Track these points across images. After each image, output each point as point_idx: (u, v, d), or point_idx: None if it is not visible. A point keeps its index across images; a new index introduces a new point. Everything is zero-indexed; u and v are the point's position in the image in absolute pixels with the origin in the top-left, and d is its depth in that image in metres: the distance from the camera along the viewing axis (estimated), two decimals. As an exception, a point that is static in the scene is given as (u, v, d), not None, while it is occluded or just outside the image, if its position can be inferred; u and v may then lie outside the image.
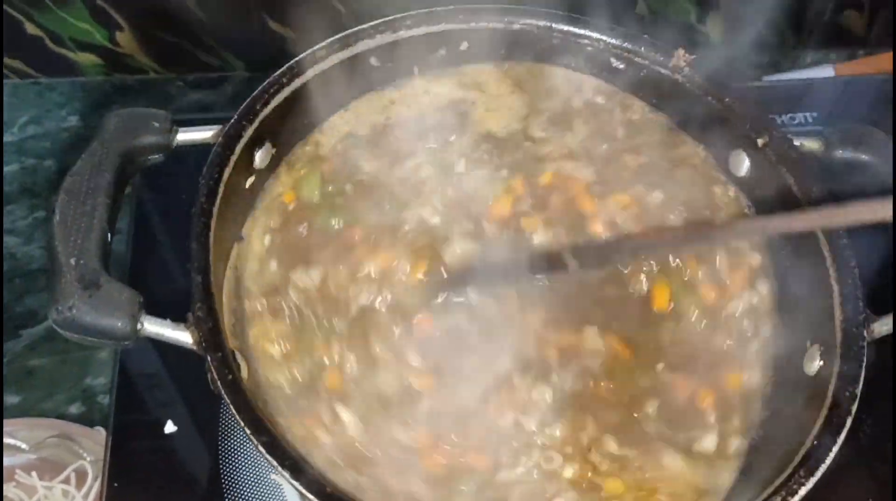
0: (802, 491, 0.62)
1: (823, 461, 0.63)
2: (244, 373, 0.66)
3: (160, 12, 1.09)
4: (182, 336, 0.64)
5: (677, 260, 0.75)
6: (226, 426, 0.84)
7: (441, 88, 0.83)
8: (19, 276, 1.06)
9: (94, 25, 1.10)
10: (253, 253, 0.75)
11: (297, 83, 0.76)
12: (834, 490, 0.65)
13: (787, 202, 0.74)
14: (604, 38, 0.81)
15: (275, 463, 0.60)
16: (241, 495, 0.81)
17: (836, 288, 0.69)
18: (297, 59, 0.76)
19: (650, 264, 0.75)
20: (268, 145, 0.75)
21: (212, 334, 0.63)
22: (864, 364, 0.66)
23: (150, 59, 1.15)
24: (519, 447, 0.69)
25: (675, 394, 0.71)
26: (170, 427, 0.84)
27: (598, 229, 0.77)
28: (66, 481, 0.92)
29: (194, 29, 1.11)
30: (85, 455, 0.93)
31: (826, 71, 1.15)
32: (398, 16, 0.79)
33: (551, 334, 0.73)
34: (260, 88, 0.74)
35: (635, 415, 0.71)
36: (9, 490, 0.91)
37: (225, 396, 0.61)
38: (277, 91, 0.74)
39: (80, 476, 0.92)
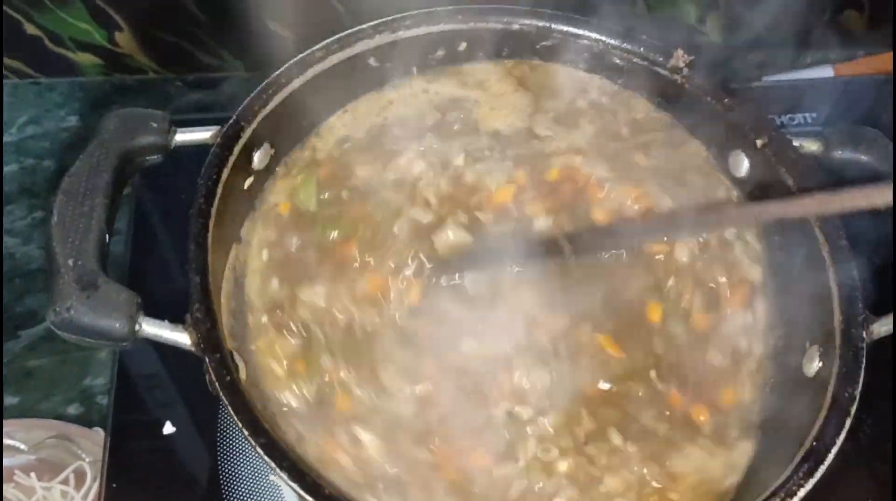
0: (801, 493, 0.62)
1: (823, 462, 0.62)
2: (242, 374, 0.66)
3: (159, 12, 1.09)
4: (180, 337, 0.64)
5: (671, 280, 0.75)
6: (225, 426, 0.84)
7: (440, 87, 0.83)
8: (18, 276, 1.06)
9: (94, 25, 1.10)
10: (253, 268, 0.74)
11: (295, 84, 0.75)
12: (834, 491, 0.65)
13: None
14: (602, 38, 0.81)
15: (273, 465, 0.59)
16: (240, 496, 0.81)
17: (834, 289, 0.69)
18: (295, 59, 0.76)
19: (648, 279, 0.75)
20: (266, 146, 0.75)
21: (210, 335, 0.63)
22: (863, 365, 0.66)
23: (150, 60, 1.15)
24: (516, 439, 0.69)
25: (671, 403, 0.71)
26: (168, 428, 0.84)
27: (602, 219, 0.77)
28: (65, 482, 0.92)
29: (193, 29, 1.11)
30: (84, 455, 0.94)
31: (826, 71, 1.15)
32: (397, 16, 0.79)
33: (547, 322, 0.73)
34: (258, 88, 0.74)
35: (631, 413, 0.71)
36: (8, 490, 0.91)
37: (223, 397, 0.61)
38: (276, 92, 0.74)
39: (79, 476, 0.93)
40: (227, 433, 0.84)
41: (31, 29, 1.10)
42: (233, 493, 0.81)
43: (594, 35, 0.81)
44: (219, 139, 0.71)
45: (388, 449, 0.67)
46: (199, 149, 0.72)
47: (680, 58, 0.79)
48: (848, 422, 0.64)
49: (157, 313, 0.65)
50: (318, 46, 0.77)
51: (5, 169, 1.11)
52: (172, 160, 0.73)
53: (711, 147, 0.80)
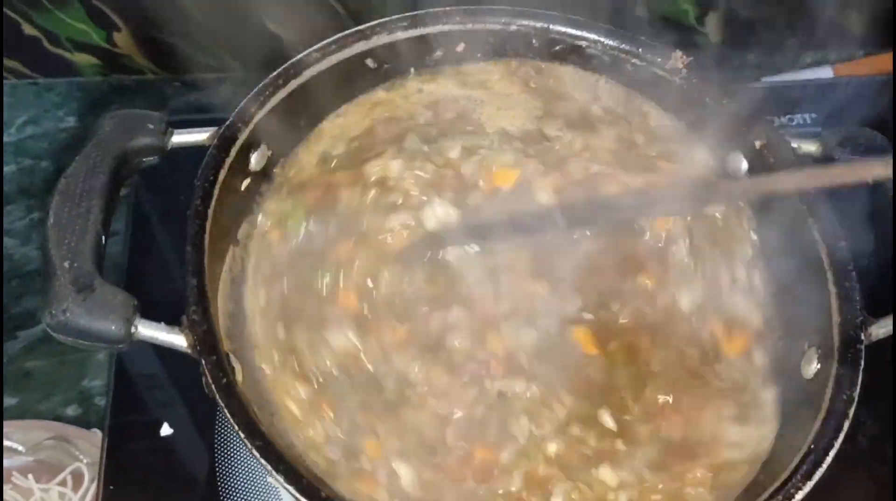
0: (800, 495, 0.61)
1: (821, 465, 0.62)
2: (239, 376, 0.66)
3: (157, 13, 1.08)
4: (176, 339, 0.63)
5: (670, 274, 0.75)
6: (222, 428, 0.84)
7: (437, 87, 0.82)
8: (16, 277, 1.06)
9: (92, 26, 1.10)
10: (252, 310, 0.72)
11: (293, 85, 0.75)
12: (833, 493, 0.65)
13: (784, 204, 0.73)
14: (601, 39, 0.80)
15: (269, 468, 0.59)
16: (238, 497, 0.81)
17: (833, 291, 0.68)
18: (292, 60, 0.76)
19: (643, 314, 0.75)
20: (263, 148, 0.75)
21: (206, 337, 0.63)
22: (861, 367, 0.66)
23: (148, 60, 1.15)
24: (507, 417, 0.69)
25: (666, 422, 0.71)
26: (166, 430, 0.84)
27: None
28: (63, 483, 0.92)
29: (191, 30, 1.10)
30: (81, 457, 0.93)
31: (825, 72, 1.15)
32: (395, 17, 0.78)
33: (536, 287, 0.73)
34: (255, 90, 0.74)
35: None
36: (5, 492, 0.91)
37: (219, 399, 0.61)
38: (273, 93, 0.74)
39: (77, 478, 0.93)
40: (225, 435, 0.84)
41: (29, 30, 1.10)
42: (231, 494, 0.81)
43: (592, 36, 0.81)
44: (215, 141, 0.71)
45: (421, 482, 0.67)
46: (199, 149, 0.72)
47: (679, 59, 0.79)
48: (846, 425, 0.64)
49: (155, 313, 0.65)
50: (315, 47, 0.77)
51: (4, 169, 1.11)
52: (172, 161, 0.73)
53: (709, 148, 0.80)
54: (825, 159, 0.76)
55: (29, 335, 1.02)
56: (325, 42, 0.77)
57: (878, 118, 0.83)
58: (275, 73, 0.75)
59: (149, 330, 0.64)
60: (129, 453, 0.83)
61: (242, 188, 0.74)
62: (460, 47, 0.81)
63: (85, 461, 0.93)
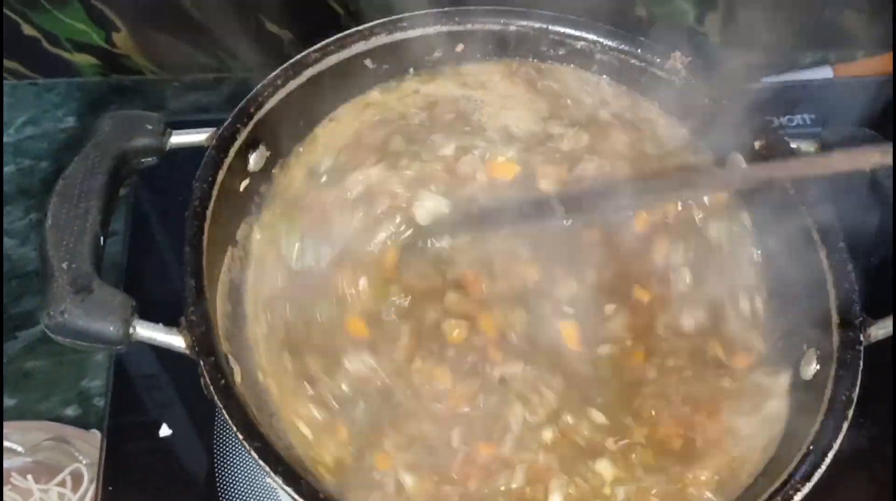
0: (798, 497, 0.61)
1: (820, 466, 0.62)
2: (237, 377, 0.66)
3: (157, 13, 1.09)
4: (174, 340, 0.63)
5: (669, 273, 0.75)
6: (221, 428, 0.84)
7: (435, 88, 0.82)
8: (16, 277, 1.06)
9: (91, 26, 1.10)
10: (255, 336, 0.71)
11: (291, 85, 0.75)
12: (833, 493, 0.65)
13: (783, 205, 0.74)
14: (600, 40, 0.80)
15: (267, 469, 0.59)
16: (237, 498, 0.81)
17: (832, 292, 0.69)
18: (291, 61, 0.75)
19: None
20: (262, 148, 0.75)
21: (204, 338, 0.63)
22: (860, 368, 0.65)
23: (147, 60, 1.15)
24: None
25: (663, 426, 0.71)
26: (165, 430, 0.84)
27: None
28: (62, 484, 0.92)
29: (191, 30, 1.10)
30: (81, 457, 0.93)
31: (825, 72, 1.15)
32: (393, 17, 0.78)
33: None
34: (254, 90, 0.74)
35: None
36: (5, 493, 0.91)
37: (217, 401, 0.61)
38: (272, 94, 0.74)
39: (76, 478, 0.93)
40: (224, 436, 0.84)
41: (28, 30, 1.10)
42: (230, 495, 0.81)
43: (591, 36, 0.80)
44: (214, 141, 0.71)
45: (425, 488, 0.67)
46: (198, 150, 0.72)
47: (678, 60, 0.79)
48: (845, 426, 0.64)
49: (154, 314, 0.64)
50: (314, 48, 0.76)
51: (3, 170, 1.11)
52: (170, 161, 0.73)
53: (708, 149, 0.80)
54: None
55: (28, 335, 1.02)
56: (324, 42, 0.77)
57: (877, 119, 0.83)
58: (274, 73, 0.75)
59: (147, 331, 0.63)
60: (129, 454, 0.83)
61: (241, 189, 0.74)
62: (459, 48, 0.81)
63: (84, 461, 0.93)
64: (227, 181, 0.71)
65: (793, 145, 0.75)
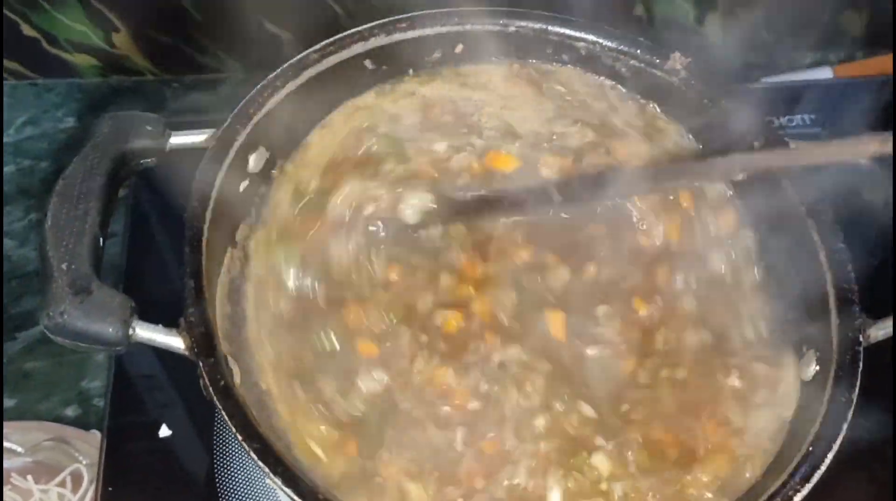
0: (798, 497, 0.61)
1: (819, 467, 0.62)
2: (237, 378, 0.66)
3: (156, 14, 1.09)
4: (174, 341, 0.63)
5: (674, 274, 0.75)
6: (221, 429, 0.84)
7: (433, 89, 0.82)
8: (15, 278, 1.06)
9: (91, 27, 1.10)
10: (260, 363, 0.70)
11: (291, 86, 0.75)
12: (833, 493, 0.65)
13: (783, 205, 0.74)
14: (599, 40, 0.80)
15: (267, 470, 0.59)
16: (237, 498, 0.81)
17: (832, 293, 0.69)
18: (291, 62, 0.76)
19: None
20: (262, 149, 0.75)
21: (204, 339, 0.63)
22: (860, 369, 0.66)
23: (147, 61, 1.15)
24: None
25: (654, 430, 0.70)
26: (165, 431, 0.84)
27: None
28: (62, 484, 0.92)
29: (191, 31, 1.10)
30: (80, 458, 0.93)
31: (824, 73, 1.15)
32: (393, 18, 0.78)
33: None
34: (253, 91, 0.74)
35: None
36: (4, 493, 0.91)
37: (216, 402, 0.61)
38: (271, 95, 0.74)
39: (76, 479, 0.92)
40: (224, 436, 0.84)
41: (27, 30, 1.10)
42: (229, 496, 0.81)
43: (591, 37, 0.81)
44: (213, 142, 0.71)
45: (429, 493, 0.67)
46: (198, 151, 0.72)
47: (677, 60, 0.79)
48: (844, 427, 0.64)
49: (153, 315, 0.64)
50: (313, 49, 0.77)
51: (3, 170, 1.11)
52: (170, 162, 0.73)
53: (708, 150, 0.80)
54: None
55: (28, 335, 1.02)
56: (323, 43, 0.77)
57: (877, 119, 0.83)
58: (273, 74, 0.75)
59: (146, 332, 0.64)
60: (128, 454, 0.83)
61: (240, 190, 0.74)
62: (459, 48, 0.81)
63: (84, 462, 0.93)
64: (227, 182, 0.71)
65: (793, 145, 0.75)
